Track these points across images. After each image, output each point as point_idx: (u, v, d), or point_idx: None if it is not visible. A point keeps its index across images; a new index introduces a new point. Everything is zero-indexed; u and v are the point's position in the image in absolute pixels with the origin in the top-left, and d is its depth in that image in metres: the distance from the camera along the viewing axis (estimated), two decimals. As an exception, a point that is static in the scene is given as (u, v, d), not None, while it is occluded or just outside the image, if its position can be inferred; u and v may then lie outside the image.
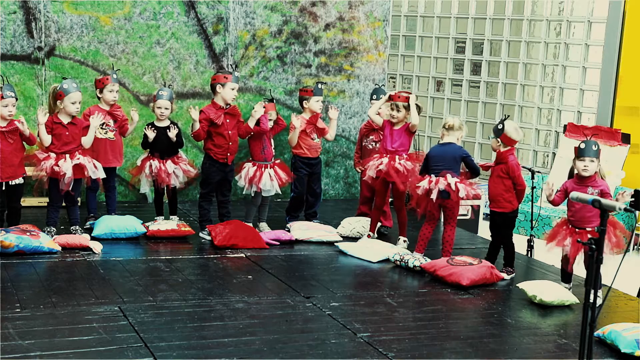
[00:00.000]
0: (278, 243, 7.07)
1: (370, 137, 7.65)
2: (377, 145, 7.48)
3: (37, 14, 7.82)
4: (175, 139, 7.14)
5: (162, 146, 7.18)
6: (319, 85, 7.57)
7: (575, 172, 6.03)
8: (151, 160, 7.19)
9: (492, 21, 10.96)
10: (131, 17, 8.17)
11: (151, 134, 7.10)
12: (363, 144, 7.75)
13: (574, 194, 4.09)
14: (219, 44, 8.52)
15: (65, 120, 6.64)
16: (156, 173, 7.15)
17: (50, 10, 7.85)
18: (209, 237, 6.98)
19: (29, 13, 7.80)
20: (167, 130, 7.13)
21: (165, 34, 8.32)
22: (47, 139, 6.58)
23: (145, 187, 7.36)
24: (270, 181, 7.24)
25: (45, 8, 7.83)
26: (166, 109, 7.17)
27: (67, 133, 6.63)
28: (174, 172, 7.18)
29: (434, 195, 6.51)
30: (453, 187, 6.50)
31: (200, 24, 8.43)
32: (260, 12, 8.64)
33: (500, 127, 6.31)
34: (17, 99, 6.55)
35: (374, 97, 7.67)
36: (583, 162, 5.92)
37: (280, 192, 7.47)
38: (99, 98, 7.22)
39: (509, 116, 6.53)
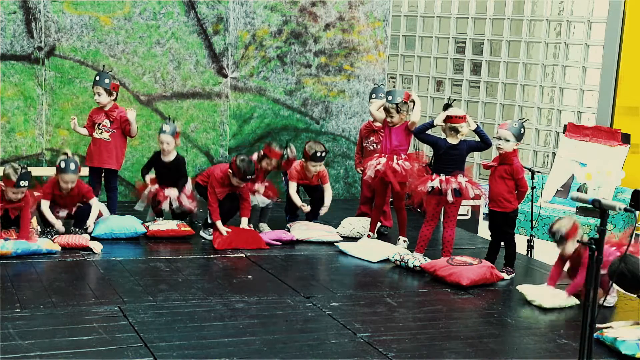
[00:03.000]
0: (279, 243, 7.06)
1: (371, 139, 7.64)
2: (378, 146, 7.47)
3: (37, 14, 7.82)
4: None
5: (167, 181, 7.23)
6: (318, 154, 7.24)
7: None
8: (154, 187, 7.23)
9: (492, 21, 10.95)
10: (131, 17, 8.17)
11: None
12: (364, 144, 7.74)
13: (573, 194, 4.09)
14: (219, 44, 8.52)
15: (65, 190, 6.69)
16: (155, 199, 7.21)
17: (50, 10, 7.85)
18: (209, 237, 6.98)
19: (29, 13, 7.80)
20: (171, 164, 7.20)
21: (165, 34, 8.32)
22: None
23: (141, 206, 7.35)
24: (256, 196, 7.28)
25: (45, 8, 7.83)
26: (168, 143, 7.16)
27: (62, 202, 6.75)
28: (170, 200, 7.21)
29: (449, 197, 6.49)
30: (464, 186, 6.52)
31: (200, 24, 8.43)
32: (260, 12, 8.64)
33: (522, 131, 6.33)
34: (32, 187, 6.54)
35: (373, 95, 7.66)
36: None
37: (272, 201, 7.44)
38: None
39: (527, 119, 6.47)
